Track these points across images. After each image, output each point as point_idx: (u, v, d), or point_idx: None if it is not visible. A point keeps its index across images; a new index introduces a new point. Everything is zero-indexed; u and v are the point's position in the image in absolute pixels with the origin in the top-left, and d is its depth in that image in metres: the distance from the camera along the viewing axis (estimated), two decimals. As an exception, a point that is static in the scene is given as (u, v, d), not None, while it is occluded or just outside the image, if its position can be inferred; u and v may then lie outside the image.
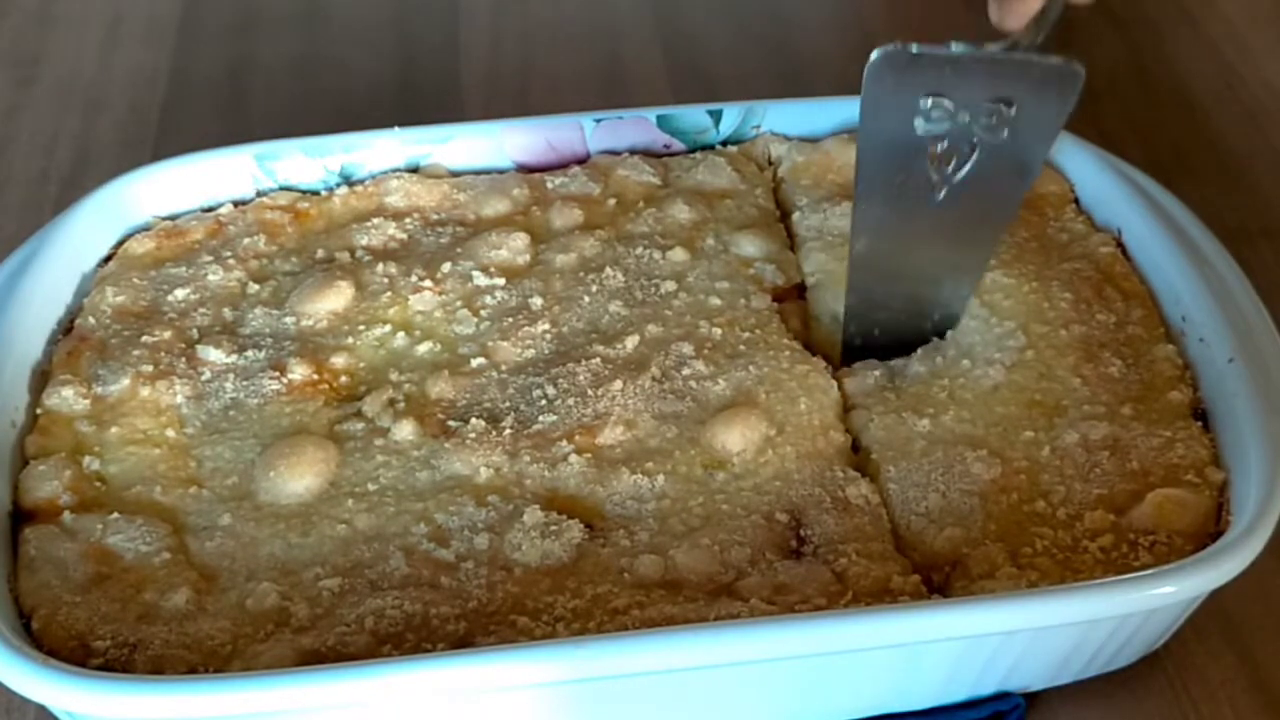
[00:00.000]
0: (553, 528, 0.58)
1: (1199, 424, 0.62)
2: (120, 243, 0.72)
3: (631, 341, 0.65)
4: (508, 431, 0.62)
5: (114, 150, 0.89)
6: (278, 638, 0.55)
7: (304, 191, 0.75)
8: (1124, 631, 0.57)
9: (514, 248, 0.70)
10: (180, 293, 0.69)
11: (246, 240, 0.71)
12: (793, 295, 0.70)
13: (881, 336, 0.67)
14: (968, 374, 0.64)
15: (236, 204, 0.74)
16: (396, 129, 0.76)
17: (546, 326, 0.66)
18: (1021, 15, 0.59)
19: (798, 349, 0.66)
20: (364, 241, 0.71)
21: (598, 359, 0.65)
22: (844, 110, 0.77)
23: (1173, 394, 0.63)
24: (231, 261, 0.70)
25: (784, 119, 0.77)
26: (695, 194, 0.73)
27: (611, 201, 0.73)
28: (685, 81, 0.94)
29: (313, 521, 0.59)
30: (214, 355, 0.65)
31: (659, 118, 0.77)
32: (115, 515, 0.59)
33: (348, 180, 0.75)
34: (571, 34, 0.99)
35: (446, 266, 0.69)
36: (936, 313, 0.66)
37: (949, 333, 0.66)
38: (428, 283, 0.68)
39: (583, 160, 0.76)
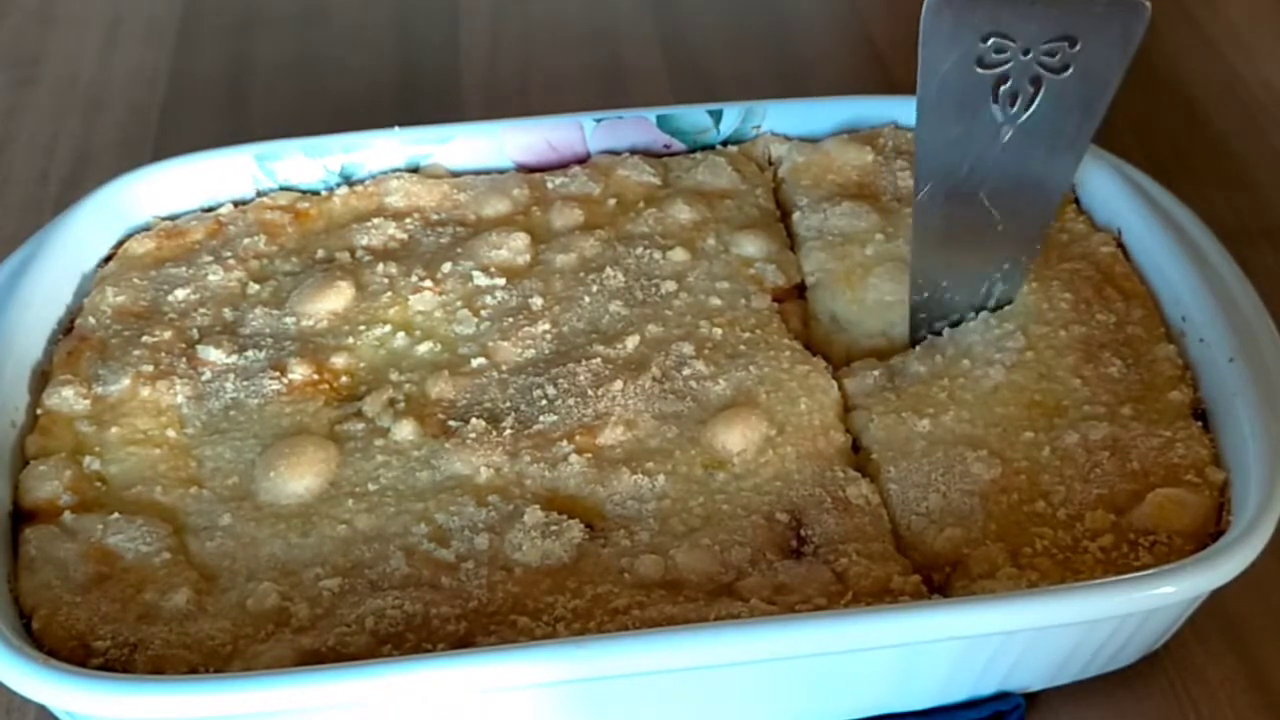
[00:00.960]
0: (553, 528, 0.58)
1: (1199, 424, 0.62)
2: (120, 243, 0.72)
3: (632, 341, 0.65)
4: (508, 431, 0.62)
5: (114, 150, 0.89)
6: (278, 638, 0.55)
7: (304, 191, 0.75)
8: (1124, 631, 0.57)
9: (514, 248, 0.70)
10: (180, 293, 0.69)
11: (246, 240, 0.71)
12: (793, 295, 0.70)
13: (948, 301, 0.66)
14: (968, 374, 0.64)
15: (236, 204, 0.74)
16: (396, 129, 0.76)
17: (547, 326, 0.66)
18: None
19: (798, 349, 0.66)
20: (364, 241, 0.71)
21: (598, 359, 0.65)
22: (844, 110, 0.77)
23: (1173, 394, 0.62)
24: (232, 261, 0.70)
25: (784, 119, 0.77)
26: (695, 194, 0.73)
27: (612, 201, 0.73)
28: (685, 81, 0.94)
29: (313, 521, 0.59)
30: (214, 355, 0.65)
31: (659, 118, 0.77)
32: (115, 515, 0.59)
33: (348, 180, 0.75)
34: (571, 34, 0.99)
35: (447, 266, 0.69)
36: (999, 272, 0.65)
37: (948, 332, 0.66)
38: (428, 283, 0.68)
39: (583, 160, 0.76)
